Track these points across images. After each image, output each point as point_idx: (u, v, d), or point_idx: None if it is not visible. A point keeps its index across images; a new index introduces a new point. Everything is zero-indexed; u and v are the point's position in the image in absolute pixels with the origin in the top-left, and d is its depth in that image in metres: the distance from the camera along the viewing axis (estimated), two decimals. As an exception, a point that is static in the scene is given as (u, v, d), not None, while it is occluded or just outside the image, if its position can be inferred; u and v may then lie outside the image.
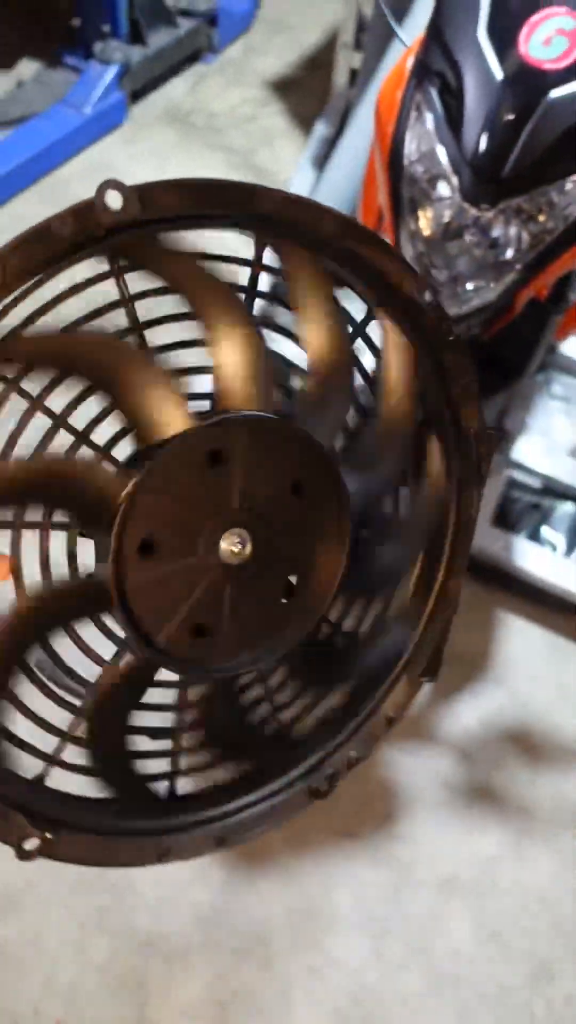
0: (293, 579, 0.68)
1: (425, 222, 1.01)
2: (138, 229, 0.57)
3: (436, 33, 0.98)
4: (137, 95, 2.71)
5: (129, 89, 2.63)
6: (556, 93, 0.90)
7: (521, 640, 1.67)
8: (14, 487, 0.58)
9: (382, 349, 0.69)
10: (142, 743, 0.71)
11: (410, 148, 1.00)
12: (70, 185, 2.42)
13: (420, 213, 1.01)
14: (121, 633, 0.64)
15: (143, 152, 2.57)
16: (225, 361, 0.62)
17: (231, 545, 0.61)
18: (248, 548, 0.61)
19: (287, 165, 2.59)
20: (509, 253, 0.99)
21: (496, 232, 0.98)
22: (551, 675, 1.62)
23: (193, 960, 1.27)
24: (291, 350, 0.70)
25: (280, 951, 1.29)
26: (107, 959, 1.26)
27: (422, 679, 0.79)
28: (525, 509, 1.80)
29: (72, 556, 0.68)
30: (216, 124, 2.73)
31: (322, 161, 2.31)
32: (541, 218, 0.97)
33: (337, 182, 2.08)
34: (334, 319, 0.66)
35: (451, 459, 0.72)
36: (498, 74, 0.92)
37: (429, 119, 0.98)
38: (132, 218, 0.55)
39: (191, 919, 1.30)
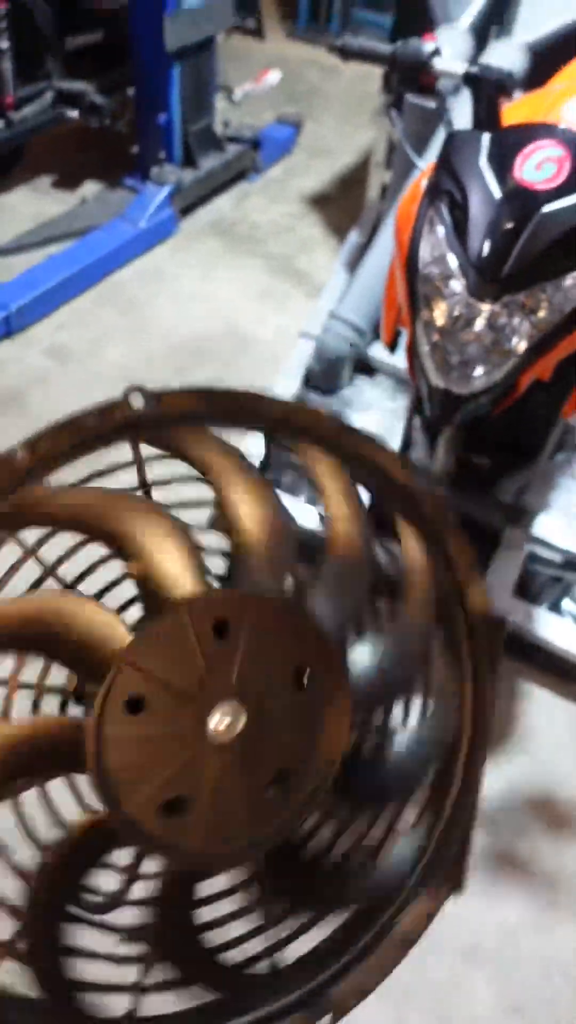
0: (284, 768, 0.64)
1: (439, 315, 1.15)
2: (156, 424, 0.63)
3: (445, 161, 1.16)
4: (187, 210, 3.02)
5: (180, 205, 2.93)
6: (548, 208, 1.06)
7: (544, 710, 1.70)
8: (10, 628, 0.58)
9: (402, 552, 0.72)
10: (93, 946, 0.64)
11: (424, 253, 1.16)
12: (125, 288, 2.68)
13: (434, 307, 1.15)
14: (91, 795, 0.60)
15: (191, 260, 2.84)
16: (246, 527, 0.64)
17: (222, 718, 0.59)
18: (239, 726, 0.60)
19: (322, 269, 2.84)
20: (513, 341, 1.12)
21: (501, 322, 1.11)
22: (574, 744, 1.65)
23: None
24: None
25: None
26: None
27: (449, 891, 0.73)
28: (547, 582, 1.86)
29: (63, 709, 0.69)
30: (258, 235, 3.01)
31: (355, 265, 2.54)
32: (540, 310, 1.10)
33: (368, 282, 2.28)
34: (352, 505, 0.70)
35: (461, 644, 0.72)
36: (497, 193, 1.08)
37: (440, 230, 1.15)
38: (152, 416, 0.61)
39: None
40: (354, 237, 2.78)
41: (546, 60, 2.11)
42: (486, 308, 1.11)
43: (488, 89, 1.21)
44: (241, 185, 3.25)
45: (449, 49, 2.09)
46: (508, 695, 1.71)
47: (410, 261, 1.18)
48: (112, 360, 2.39)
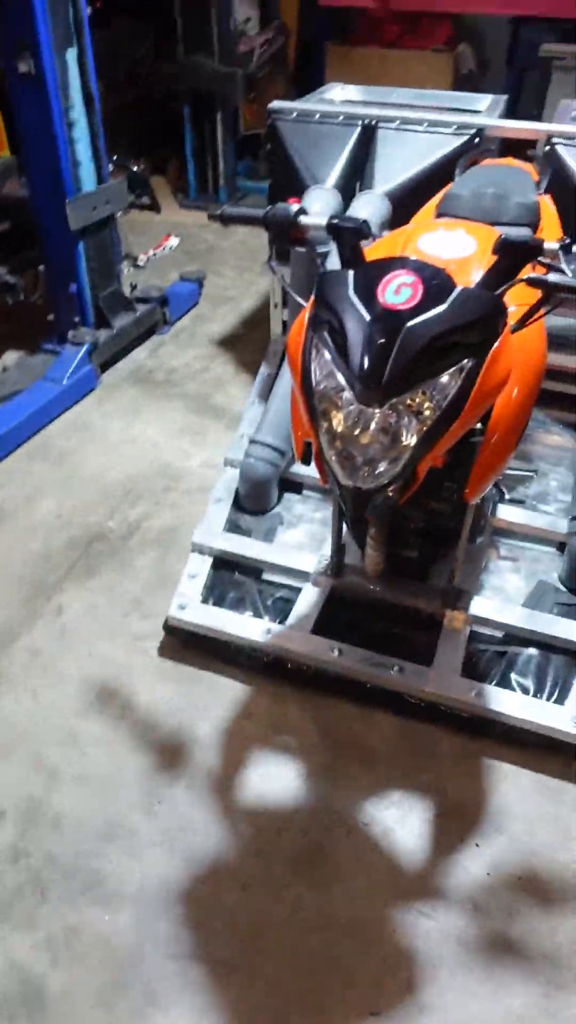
0: None
1: (337, 424, 1.29)
2: None
3: (320, 296, 1.33)
4: (106, 365, 3.22)
5: (98, 361, 3.13)
6: (411, 323, 1.22)
7: (513, 784, 1.72)
8: None
9: None
10: None
11: (316, 374, 1.31)
12: (54, 441, 2.81)
13: (332, 418, 1.29)
14: None
15: (114, 409, 3.01)
16: None
17: None
18: None
19: (238, 401, 3.03)
20: (404, 437, 1.25)
21: (391, 423, 1.25)
22: (546, 815, 1.66)
23: None
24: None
25: None
26: None
27: None
28: (492, 658, 1.94)
29: None
30: (174, 379, 3.22)
31: (267, 395, 2.74)
32: (423, 408, 1.25)
33: (281, 407, 2.47)
34: None
35: None
36: (367, 316, 1.25)
37: (325, 353, 1.30)
38: None
39: None
40: (264, 370, 3.01)
41: (404, 204, 2.44)
42: (376, 412, 1.25)
43: (348, 236, 1.41)
44: (154, 337, 3.49)
45: (316, 206, 2.40)
46: (476, 775, 1.73)
47: (305, 382, 1.33)
48: (47, 510, 2.47)
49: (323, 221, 1.47)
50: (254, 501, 2.36)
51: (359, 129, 2.62)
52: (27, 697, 1.90)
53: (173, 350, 3.42)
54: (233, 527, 2.29)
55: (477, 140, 2.56)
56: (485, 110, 2.96)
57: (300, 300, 1.55)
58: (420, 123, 2.60)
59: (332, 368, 1.28)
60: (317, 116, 2.66)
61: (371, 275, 1.28)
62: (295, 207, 1.48)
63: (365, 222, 1.41)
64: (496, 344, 1.28)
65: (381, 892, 1.54)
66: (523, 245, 1.29)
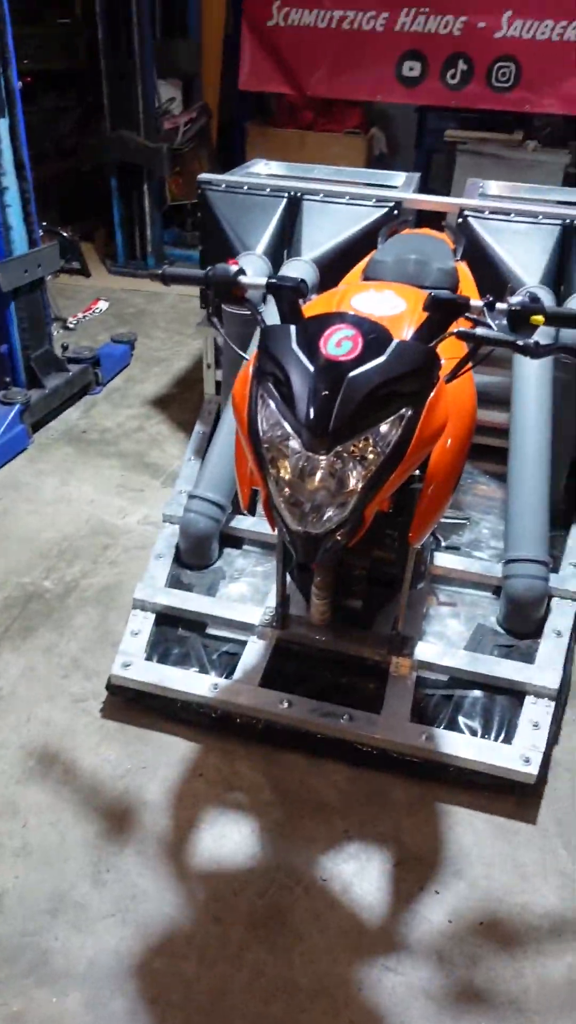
0: None
1: (284, 471, 1.32)
2: None
3: (264, 349, 1.38)
4: (38, 425, 3.19)
5: (30, 421, 3.10)
6: (352, 373, 1.28)
7: (468, 829, 1.72)
8: None
9: None
10: None
11: (262, 424, 1.34)
12: (-15, 502, 2.74)
13: (280, 466, 1.32)
14: None
15: (47, 468, 2.97)
16: None
17: None
18: None
19: (174, 459, 3.05)
20: (351, 482, 1.29)
21: (337, 468, 1.29)
22: (502, 856, 1.67)
23: None
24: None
25: None
26: None
27: None
28: (439, 701, 1.96)
29: None
30: (108, 438, 3.21)
31: (203, 452, 2.76)
32: (368, 454, 1.29)
33: (219, 463, 2.48)
34: None
35: None
36: (311, 368, 1.30)
37: (271, 403, 1.34)
38: None
39: None
40: (199, 428, 3.04)
41: (330, 270, 2.57)
42: (323, 459, 1.29)
43: (287, 294, 1.47)
44: (87, 397, 3.49)
45: (250, 269, 2.50)
46: (431, 821, 1.73)
47: (252, 432, 1.36)
48: (-21, 573, 2.39)
49: (263, 280, 1.53)
50: (195, 556, 2.35)
51: (285, 200, 2.75)
52: (-39, 768, 1.80)
53: (106, 410, 3.42)
54: (175, 582, 2.27)
55: (396, 212, 2.72)
56: (401, 185, 3.16)
57: (241, 354, 1.60)
58: (343, 196, 2.75)
59: (278, 417, 1.32)
60: (245, 187, 2.78)
61: (313, 329, 1.34)
62: (235, 268, 1.54)
63: (303, 281, 1.48)
64: (432, 393, 1.35)
65: (344, 950, 1.49)
66: (453, 302, 1.38)
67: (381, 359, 1.29)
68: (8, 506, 2.72)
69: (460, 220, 2.66)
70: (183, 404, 3.49)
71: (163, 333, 4.24)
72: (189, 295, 4.78)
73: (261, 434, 1.34)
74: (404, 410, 1.31)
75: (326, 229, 2.72)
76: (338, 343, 1.29)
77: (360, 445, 1.28)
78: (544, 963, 1.49)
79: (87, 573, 2.43)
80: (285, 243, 2.77)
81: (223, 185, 2.80)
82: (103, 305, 4.50)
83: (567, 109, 5.02)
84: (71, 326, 4.20)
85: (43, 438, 3.16)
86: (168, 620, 2.14)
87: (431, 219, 2.88)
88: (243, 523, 2.47)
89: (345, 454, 1.29)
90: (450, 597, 2.33)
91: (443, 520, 2.34)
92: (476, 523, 2.62)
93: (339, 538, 1.34)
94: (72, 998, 1.40)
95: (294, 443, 1.30)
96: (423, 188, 3.38)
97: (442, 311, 1.37)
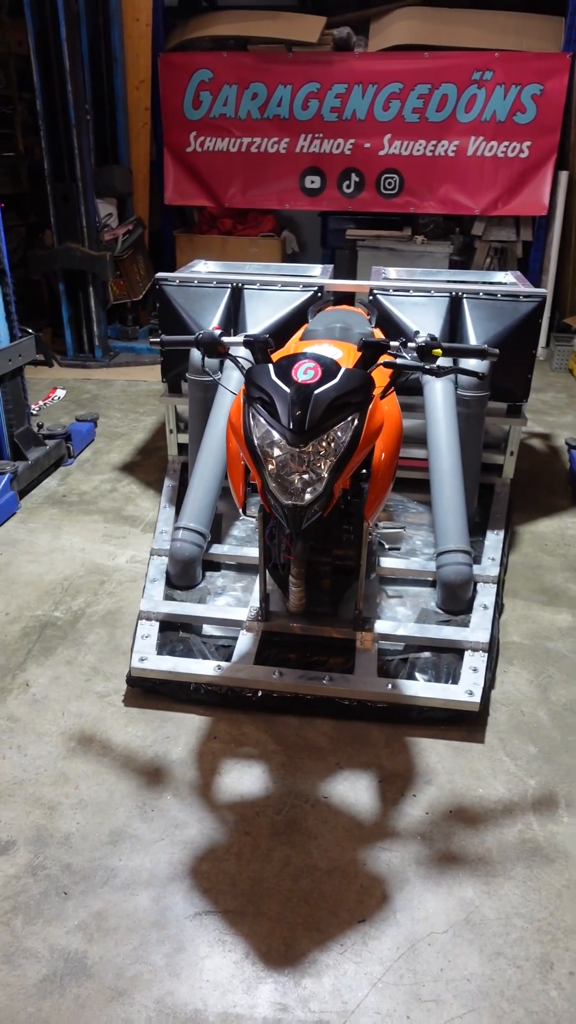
0: None
1: (273, 466, 1.83)
2: None
3: (251, 381, 1.92)
4: (23, 492, 3.60)
5: (17, 489, 3.51)
6: (317, 391, 1.83)
7: (432, 752, 2.18)
8: None
9: None
10: None
11: (256, 433, 1.86)
12: (-11, 556, 3.12)
13: (272, 460, 1.83)
14: None
15: (38, 526, 3.37)
16: None
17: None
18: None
19: (149, 511, 3.50)
20: (323, 466, 1.82)
21: (313, 458, 1.81)
22: (462, 767, 2.12)
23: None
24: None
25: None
26: None
27: None
28: (398, 664, 2.44)
29: None
30: (87, 499, 3.65)
31: (175, 500, 3.25)
32: (333, 445, 1.82)
33: (196, 500, 2.95)
34: None
35: None
36: (286, 389, 1.84)
37: (261, 419, 1.87)
38: None
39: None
40: (168, 482, 3.52)
41: (276, 338, 3.16)
42: (301, 452, 1.81)
43: (260, 345, 2.03)
44: (61, 468, 3.93)
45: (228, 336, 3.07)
46: (403, 751, 2.17)
47: (248, 441, 1.88)
48: (-5, 612, 2.76)
49: (240, 339, 2.08)
50: (184, 578, 2.79)
51: (230, 290, 3.36)
52: (14, 753, 2.14)
53: (81, 477, 3.87)
54: (168, 600, 2.70)
55: (319, 293, 3.38)
56: (319, 274, 3.85)
57: (231, 390, 2.14)
58: (276, 284, 3.40)
59: (267, 427, 1.84)
60: (195, 281, 3.39)
61: (285, 364, 1.89)
62: (219, 331, 2.10)
63: (270, 336, 2.04)
64: (370, 405, 1.91)
65: (349, 841, 1.90)
66: (378, 343, 1.96)
67: (335, 380, 1.84)
68: (10, 559, 3.10)
69: (371, 297, 3.33)
70: (147, 468, 3.97)
71: (119, 413, 4.76)
72: (136, 380, 5.35)
73: (255, 441, 1.86)
74: (353, 416, 1.86)
75: (265, 311, 3.34)
76: (304, 371, 1.84)
77: (326, 441, 1.82)
78: (500, 831, 1.93)
79: (90, 603, 2.83)
80: (232, 324, 3.37)
81: (176, 280, 3.40)
82: (61, 393, 5.00)
83: (444, 209, 6.00)
84: (34, 412, 4.66)
85: (29, 503, 3.57)
86: (170, 627, 2.56)
87: (347, 299, 3.56)
88: (220, 549, 2.95)
89: (316, 448, 1.82)
90: (397, 592, 2.84)
91: (384, 529, 2.89)
92: (410, 537, 3.16)
93: (317, 508, 1.85)
94: (141, 897, 1.76)
95: (280, 443, 1.82)
96: (333, 277, 4.09)
97: (371, 349, 1.95)
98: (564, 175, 5.76)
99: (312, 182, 6.10)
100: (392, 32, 5.72)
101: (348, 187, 6.07)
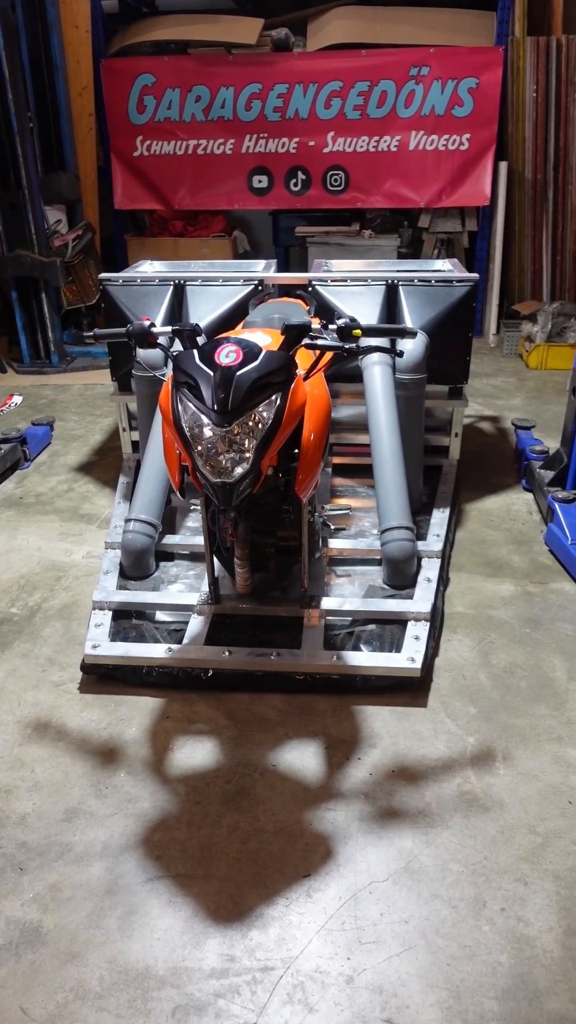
0: None
1: (203, 444, 1.91)
2: None
3: (177, 367, 1.99)
4: (-20, 496, 3.64)
5: (-27, 493, 3.55)
6: (239, 373, 1.91)
7: (377, 717, 2.26)
8: None
9: None
10: None
11: (184, 417, 1.94)
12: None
13: (200, 442, 1.91)
14: None
15: (-5, 528, 3.42)
16: None
17: None
18: None
19: (105, 509, 3.56)
20: (248, 444, 1.90)
21: (239, 437, 1.89)
22: (405, 730, 2.21)
23: None
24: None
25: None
26: None
27: None
28: (344, 636, 2.52)
29: None
30: (43, 500, 3.70)
31: (130, 496, 3.30)
32: (257, 424, 1.91)
33: (145, 492, 3.01)
34: None
35: None
36: (210, 372, 1.92)
37: (188, 403, 1.94)
38: None
39: None
40: (123, 479, 3.58)
41: (215, 335, 3.23)
42: (226, 431, 1.89)
43: (188, 333, 2.11)
44: (17, 472, 3.97)
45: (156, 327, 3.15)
46: (349, 718, 2.26)
47: (176, 424, 1.95)
48: (-47, 611, 2.80)
49: (168, 329, 2.16)
50: (137, 569, 2.86)
51: (172, 287, 3.43)
52: (-29, 743, 2.20)
53: (37, 479, 3.91)
54: (121, 590, 2.77)
55: (259, 287, 3.46)
56: (262, 269, 3.94)
57: (161, 376, 2.20)
58: (217, 280, 3.47)
59: (194, 410, 1.92)
60: (139, 280, 3.45)
61: (208, 349, 1.97)
62: (148, 323, 2.17)
63: (197, 324, 2.12)
64: (292, 385, 1.99)
65: (295, 803, 1.99)
66: (300, 324, 2.05)
67: (256, 362, 1.92)
68: (-34, 560, 3.15)
69: (310, 288, 3.42)
70: (103, 468, 4.03)
71: (76, 416, 4.81)
72: (93, 384, 5.39)
73: (184, 423, 1.94)
74: (275, 395, 1.94)
75: (207, 306, 3.41)
76: (227, 355, 1.92)
77: (250, 420, 1.90)
78: (440, 786, 2.03)
79: (47, 599, 2.89)
80: (176, 320, 3.44)
81: (120, 280, 3.46)
82: (17, 399, 5.04)
83: (390, 204, 6.12)
84: (-9, 418, 4.69)
85: (-15, 506, 3.62)
86: (123, 615, 2.63)
87: (291, 291, 3.64)
88: (174, 539, 3.02)
89: (241, 427, 1.90)
90: (346, 571, 2.93)
91: (330, 512, 2.98)
92: (360, 519, 3.25)
93: (245, 485, 1.93)
94: (95, 867, 1.82)
95: (207, 424, 1.90)
96: (279, 271, 4.18)
97: (293, 331, 2.04)
98: (504, 165, 5.90)
99: (260, 181, 6.19)
100: (329, 31, 5.83)
101: (295, 185, 6.17)
